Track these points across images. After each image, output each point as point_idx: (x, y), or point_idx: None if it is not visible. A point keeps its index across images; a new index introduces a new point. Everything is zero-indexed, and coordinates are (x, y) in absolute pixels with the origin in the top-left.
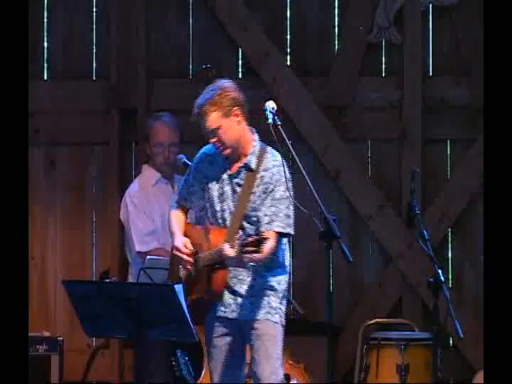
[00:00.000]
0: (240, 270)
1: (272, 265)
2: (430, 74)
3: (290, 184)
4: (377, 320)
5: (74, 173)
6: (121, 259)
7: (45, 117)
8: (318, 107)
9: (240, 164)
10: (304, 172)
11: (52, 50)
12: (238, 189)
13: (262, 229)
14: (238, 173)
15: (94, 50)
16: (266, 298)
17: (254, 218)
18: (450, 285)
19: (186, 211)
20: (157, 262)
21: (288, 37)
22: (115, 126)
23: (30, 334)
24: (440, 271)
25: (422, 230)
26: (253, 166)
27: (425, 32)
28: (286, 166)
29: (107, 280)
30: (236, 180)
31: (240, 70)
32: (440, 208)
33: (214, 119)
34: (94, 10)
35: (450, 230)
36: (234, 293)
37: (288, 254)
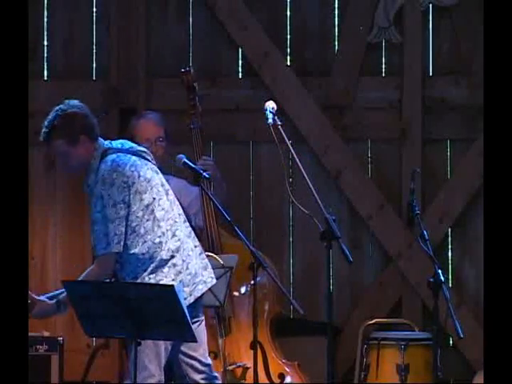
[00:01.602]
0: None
1: (131, 271)
2: (430, 73)
3: (106, 200)
4: (377, 320)
5: (73, 173)
6: None
7: (45, 117)
8: (318, 107)
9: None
10: (304, 172)
11: (52, 50)
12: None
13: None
14: (88, 194)
15: (94, 50)
16: None
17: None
18: (450, 285)
19: None
20: None
21: (288, 37)
22: (115, 126)
23: (30, 334)
24: (440, 271)
25: (422, 230)
26: (90, 184)
27: (425, 32)
28: (104, 178)
29: (107, 280)
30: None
31: (240, 69)
32: (440, 208)
33: (60, 146)
34: (94, 10)
35: (450, 229)
36: None
37: (147, 248)
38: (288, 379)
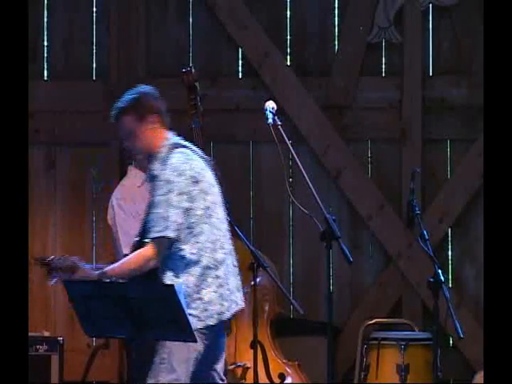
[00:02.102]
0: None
1: (171, 268)
2: (430, 73)
3: (177, 184)
4: (377, 320)
5: (73, 173)
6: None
7: (45, 117)
8: (318, 107)
9: (147, 173)
10: (304, 172)
11: (52, 50)
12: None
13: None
14: (148, 181)
15: (94, 50)
16: None
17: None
18: (450, 285)
19: None
20: None
21: (288, 37)
22: (115, 126)
23: (30, 334)
24: (440, 271)
25: (422, 230)
26: (155, 172)
27: (425, 32)
28: (175, 166)
29: (107, 280)
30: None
31: (240, 69)
32: (440, 208)
33: (128, 122)
34: (94, 9)
35: (449, 229)
36: None
37: (206, 254)
38: (288, 379)
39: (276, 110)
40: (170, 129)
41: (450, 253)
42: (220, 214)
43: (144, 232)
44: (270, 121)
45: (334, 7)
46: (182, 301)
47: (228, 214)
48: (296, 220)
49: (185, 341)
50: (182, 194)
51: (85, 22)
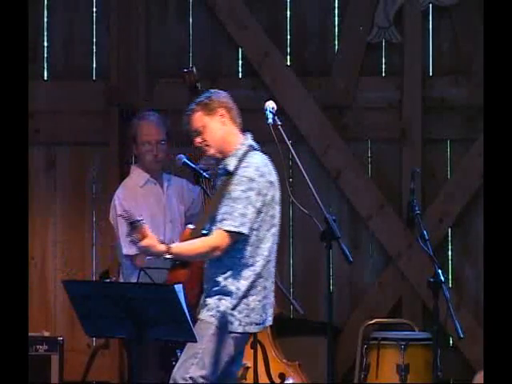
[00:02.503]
0: (206, 269)
1: (227, 265)
2: (430, 73)
3: (257, 184)
4: (377, 320)
5: (73, 173)
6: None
7: (45, 117)
8: (318, 107)
9: (220, 166)
10: (304, 172)
11: (52, 50)
12: (214, 191)
13: (214, 228)
14: (218, 175)
15: (94, 50)
16: (216, 300)
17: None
18: (450, 285)
19: None
20: (156, 262)
21: (288, 37)
22: (115, 126)
23: (30, 334)
24: (440, 271)
25: (422, 230)
26: (230, 168)
27: (425, 32)
28: (258, 167)
29: (107, 280)
30: (216, 182)
31: (240, 69)
32: (440, 208)
33: (198, 117)
34: (94, 10)
35: (449, 229)
36: (202, 292)
37: (261, 260)
38: (289, 379)
39: (276, 110)
40: (245, 129)
41: (450, 253)
42: (277, 229)
43: (212, 221)
44: (270, 121)
45: (334, 7)
46: (183, 301)
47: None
48: (296, 220)
49: (185, 340)
50: (259, 194)
51: (85, 22)
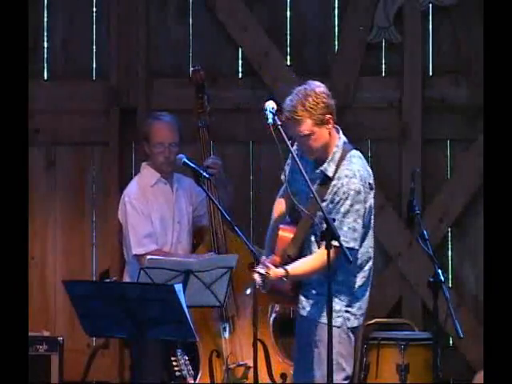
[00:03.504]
0: None
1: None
2: (430, 73)
3: (363, 194)
4: (377, 320)
5: (73, 173)
6: (121, 259)
7: (45, 117)
8: None
9: (318, 170)
10: (304, 172)
11: (52, 50)
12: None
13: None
14: (316, 178)
15: (94, 50)
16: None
17: (322, 226)
18: (450, 285)
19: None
20: (158, 262)
21: (288, 37)
22: (115, 126)
23: (30, 334)
24: (440, 271)
25: (421, 230)
26: (329, 173)
27: (425, 32)
28: (363, 175)
29: (107, 280)
30: (314, 186)
31: (240, 69)
32: (440, 208)
33: (307, 126)
34: (94, 9)
35: (449, 229)
36: (306, 290)
37: (368, 259)
38: (290, 379)
39: (276, 110)
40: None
41: (449, 253)
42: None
43: (329, 219)
44: (270, 121)
45: (334, 7)
46: (183, 300)
47: (229, 215)
48: None
49: (185, 340)
50: (365, 202)
51: (85, 22)
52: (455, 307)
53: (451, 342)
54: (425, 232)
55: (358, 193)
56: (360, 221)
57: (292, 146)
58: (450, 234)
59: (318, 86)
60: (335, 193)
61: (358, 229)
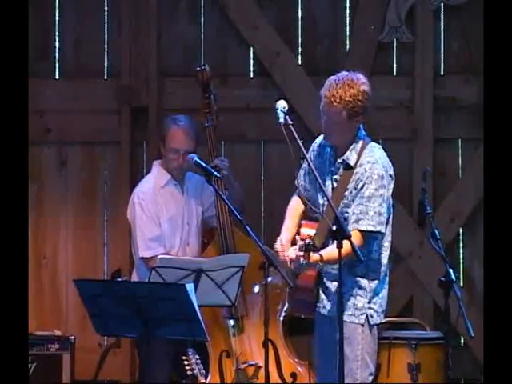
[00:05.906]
0: (330, 266)
1: (363, 265)
2: (442, 73)
3: (386, 180)
4: (387, 319)
5: (85, 172)
6: (132, 259)
7: (56, 116)
8: None
9: (339, 160)
10: (315, 171)
11: (63, 49)
12: (335, 185)
13: (349, 227)
14: (338, 169)
15: (106, 49)
16: (352, 298)
17: (346, 214)
18: (461, 284)
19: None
20: (169, 261)
21: (299, 36)
22: (126, 126)
23: (41, 333)
24: (451, 270)
25: (433, 229)
26: (351, 162)
27: (436, 31)
28: (384, 163)
29: (119, 279)
30: (335, 176)
31: (251, 69)
32: (451, 207)
33: (339, 116)
34: (106, 8)
35: (461, 229)
36: (327, 289)
37: (386, 253)
38: (300, 379)
39: (287, 110)
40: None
41: (461, 252)
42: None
43: (339, 218)
44: (282, 120)
45: (345, 7)
46: (194, 300)
47: (240, 214)
48: None
49: (196, 339)
50: (388, 189)
51: (96, 21)
52: (466, 307)
53: (462, 341)
54: (436, 231)
55: (382, 178)
56: (385, 205)
57: (303, 145)
58: (461, 234)
59: (365, 84)
60: (358, 179)
61: (383, 213)
